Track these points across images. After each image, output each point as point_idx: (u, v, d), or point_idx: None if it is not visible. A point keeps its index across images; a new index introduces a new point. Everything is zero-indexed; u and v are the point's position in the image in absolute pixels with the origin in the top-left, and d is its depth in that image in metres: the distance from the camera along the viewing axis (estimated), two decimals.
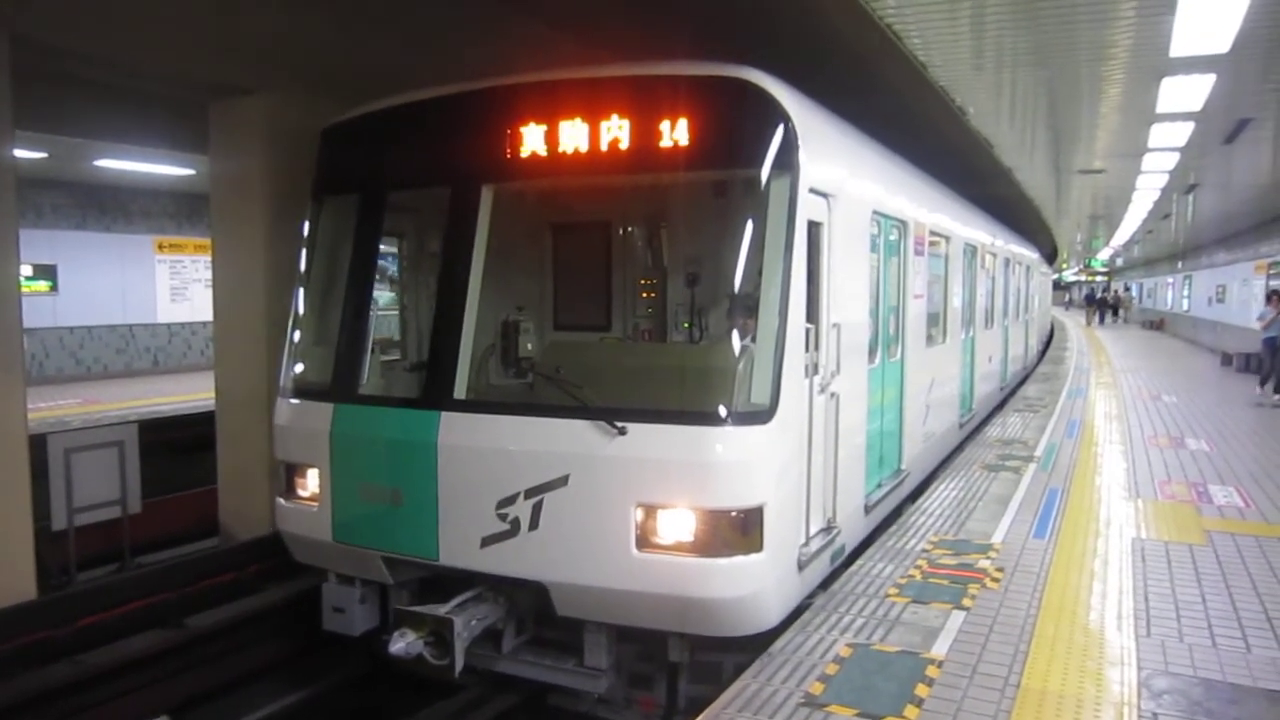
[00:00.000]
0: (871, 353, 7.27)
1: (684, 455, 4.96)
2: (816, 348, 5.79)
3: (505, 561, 5.34)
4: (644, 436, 5.02)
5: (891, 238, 8.12)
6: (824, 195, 5.89)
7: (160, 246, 19.36)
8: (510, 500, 5.28)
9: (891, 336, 8.17)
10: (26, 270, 15.35)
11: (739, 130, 5.38)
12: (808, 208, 5.45)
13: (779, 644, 5.22)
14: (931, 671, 4.82)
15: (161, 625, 7.07)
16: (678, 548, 4.96)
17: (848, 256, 6.43)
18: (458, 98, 6.03)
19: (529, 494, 5.23)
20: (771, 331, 5.11)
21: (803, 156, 5.32)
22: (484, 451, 5.40)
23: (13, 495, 6.54)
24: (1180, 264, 38.87)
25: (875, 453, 7.50)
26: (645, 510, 5.00)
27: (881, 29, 7.25)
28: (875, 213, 7.28)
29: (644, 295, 8.21)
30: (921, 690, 4.59)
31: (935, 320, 10.54)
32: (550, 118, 5.55)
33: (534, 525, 5.23)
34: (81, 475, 7.69)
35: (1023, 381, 19.61)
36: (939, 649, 5.12)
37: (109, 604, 7.07)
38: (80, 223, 17.80)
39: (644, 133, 5.31)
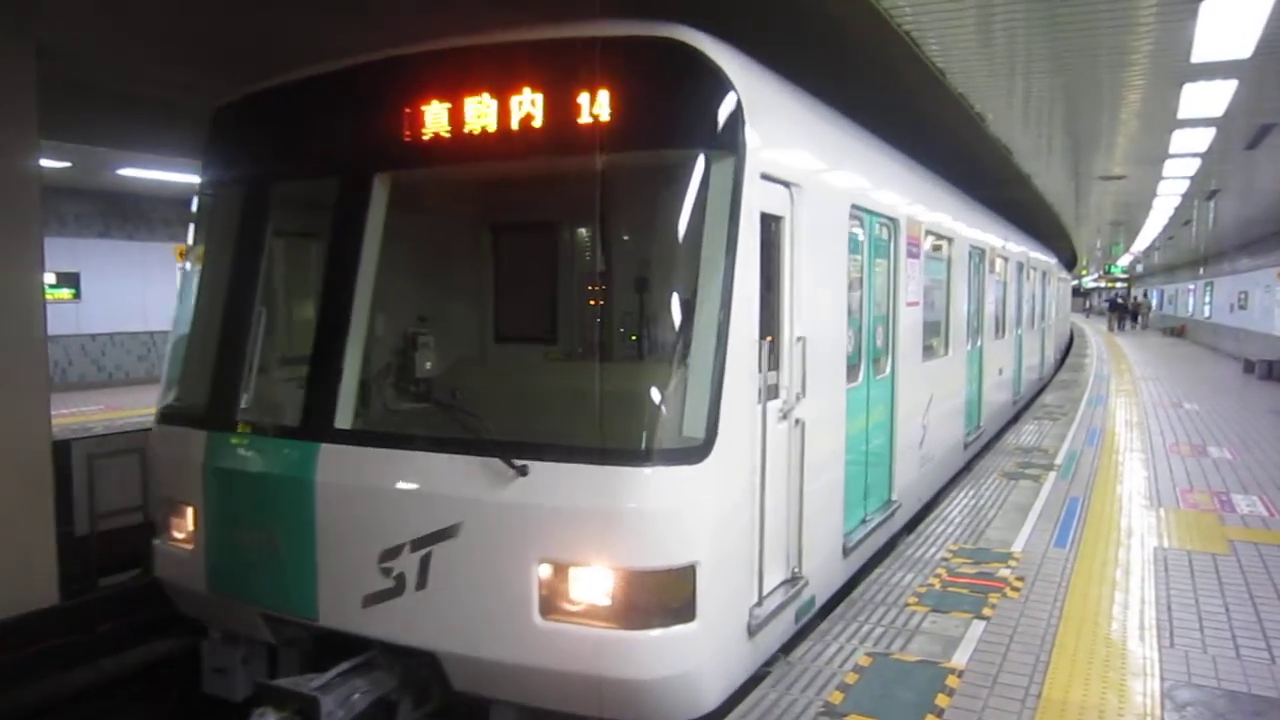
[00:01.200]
0: (852, 370, 6.52)
1: (595, 502, 4.08)
2: (776, 366, 5.04)
3: (389, 625, 4.50)
4: (549, 478, 4.15)
5: (879, 237, 7.30)
6: (784, 184, 5.12)
7: (181, 254, 19.53)
8: (395, 552, 4.44)
9: (879, 350, 7.36)
10: (50, 278, 15.53)
11: (668, 102, 4.47)
12: (760, 198, 4.67)
13: (798, 652, 5.19)
14: (952, 681, 4.79)
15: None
16: (590, 615, 4.09)
17: (818, 257, 5.64)
18: (342, 74, 5.17)
19: (416, 545, 4.40)
20: (708, 348, 4.22)
21: (751, 135, 4.51)
22: (366, 492, 4.56)
23: (37, 502, 6.61)
24: (1202, 270, 38.56)
25: (857, 485, 6.73)
26: (552, 569, 4.15)
27: (900, 35, 7.24)
28: (856, 207, 6.48)
29: (592, 303, 6.70)
30: (941, 700, 4.56)
31: (935, 330, 9.79)
32: (447, 94, 4.71)
33: (421, 583, 4.39)
34: (104, 481, 7.77)
35: (1039, 392, 19.13)
36: (959, 658, 5.09)
37: (131, 609, 7.13)
38: (103, 231, 18.04)
39: (558, 108, 4.44)
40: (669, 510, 4.09)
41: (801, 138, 5.61)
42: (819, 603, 5.84)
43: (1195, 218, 23.15)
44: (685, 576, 4.11)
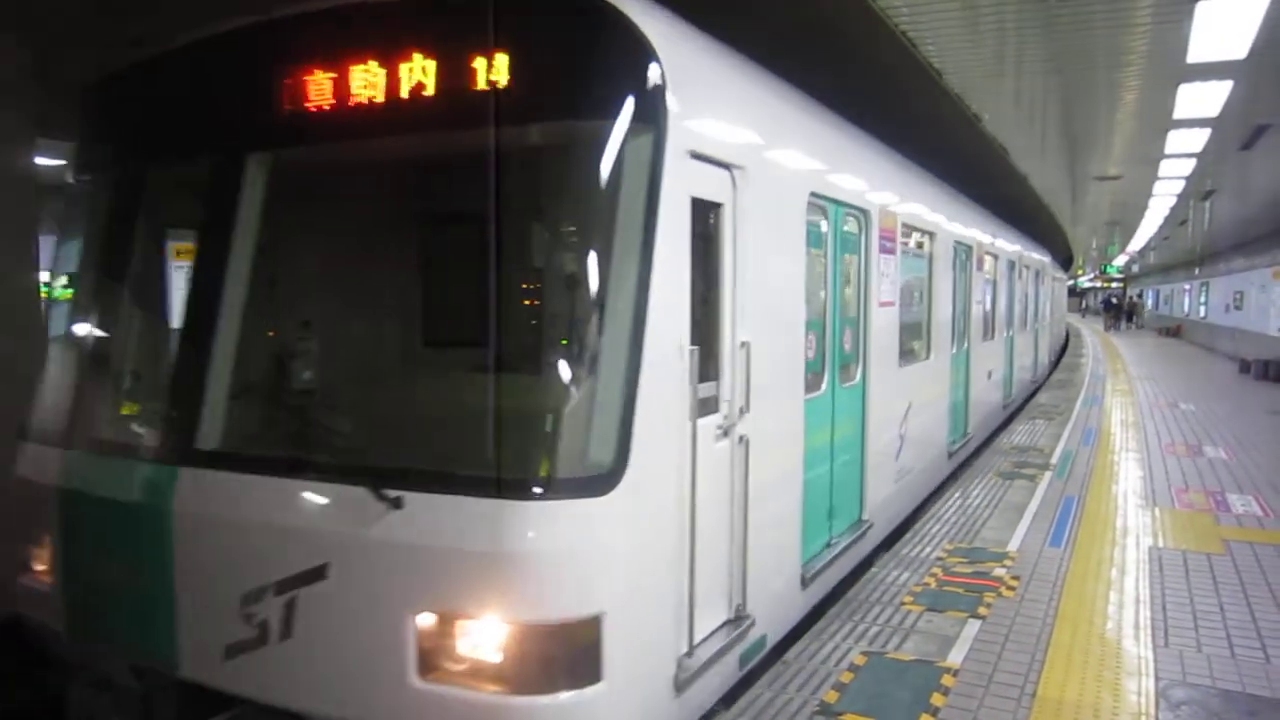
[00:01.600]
0: (814, 378, 5.96)
1: (478, 542, 3.45)
2: (715, 376, 4.48)
3: (252, 680, 3.89)
4: (428, 512, 3.55)
5: (847, 230, 6.63)
6: (724, 166, 4.48)
7: (178, 253, 19.47)
8: (257, 596, 3.81)
9: (848, 355, 6.69)
10: (45, 277, 15.42)
11: (572, 64, 3.81)
12: (691, 180, 4.09)
13: (793, 652, 5.20)
14: (947, 680, 4.79)
15: None
16: (476, 677, 3.48)
17: (768, 252, 5.00)
18: (207, 43, 4.54)
19: (280, 588, 3.76)
20: (618, 356, 3.60)
21: (677, 106, 3.90)
22: (227, 525, 3.94)
23: None
24: (1197, 270, 38.65)
25: (820, 505, 6.11)
26: (433, 620, 3.53)
27: (896, 35, 7.25)
28: (818, 196, 5.83)
29: (527, 303, 5.71)
30: (937, 699, 4.57)
31: (915, 332, 9.12)
32: (324, 61, 4.11)
33: (286, 632, 3.77)
34: None
35: (1033, 394, 18.87)
36: (954, 658, 5.10)
37: None
38: None
39: (450, 74, 3.81)
40: (566, 551, 3.46)
41: (749, 115, 4.91)
42: (772, 641, 5.16)
43: (1191, 218, 23.22)
44: (588, 629, 3.47)
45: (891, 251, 7.62)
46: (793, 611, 5.62)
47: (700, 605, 4.23)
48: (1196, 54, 7.77)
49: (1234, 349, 28.12)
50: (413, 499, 3.56)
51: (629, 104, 3.75)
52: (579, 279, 3.72)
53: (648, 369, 3.66)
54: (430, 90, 3.84)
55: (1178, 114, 10.31)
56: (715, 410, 4.47)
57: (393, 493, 3.56)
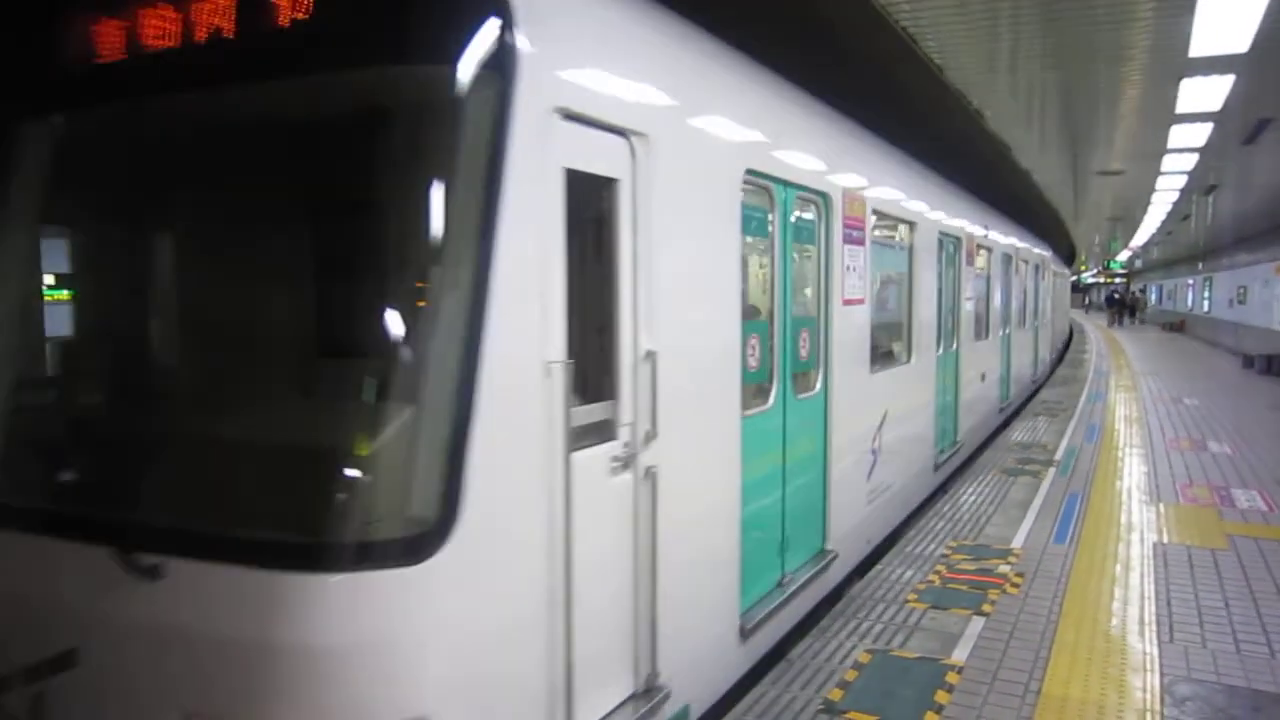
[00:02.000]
0: (758, 390, 5.19)
1: (251, 628, 2.63)
2: (612, 395, 3.67)
3: None
4: (192, 585, 2.72)
5: (800, 216, 5.72)
6: (619, 132, 3.59)
7: None
8: (5, 685, 2.95)
9: (804, 361, 5.84)
10: (49, 279, 15.43)
11: None
12: (565, 147, 3.23)
13: (797, 650, 5.19)
14: (951, 678, 4.78)
15: None
16: None
17: (684, 241, 4.10)
18: None
19: (29, 676, 2.92)
20: (444, 376, 2.76)
21: (533, 46, 3.00)
22: None
23: None
24: (1200, 265, 38.59)
25: (766, 541, 5.28)
26: None
27: (897, 31, 7.24)
28: (757, 174, 4.96)
29: (422, 304, 3.60)
30: (941, 697, 4.56)
31: (894, 333, 8.42)
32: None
33: None
34: None
35: (1033, 394, 18.23)
36: (959, 655, 5.09)
37: None
38: None
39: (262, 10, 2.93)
40: (372, 639, 2.61)
41: (659, 71, 4.00)
42: (699, 712, 4.39)
43: (1194, 213, 23.17)
44: None
45: (860, 242, 6.68)
46: (728, 671, 4.73)
47: (586, 683, 3.40)
48: (1199, 48, 7.74)
49: (1237, 344, 28.08)
50: (175, 567, 2.72)
51: (464, 46, 2.81)
52: (385, 276, 2.91)
53: (489, 391, 2.81)
54: (205, 31, 2.99)
55: (1180, 108, 10.29)
56: (611, 437, 3.61)
57: (147, 558, 2.72)
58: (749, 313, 5.07)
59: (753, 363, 4.98)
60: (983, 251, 12.43)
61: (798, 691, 4.64)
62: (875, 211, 7.09)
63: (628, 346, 3.72)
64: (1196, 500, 8.80)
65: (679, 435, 4.04)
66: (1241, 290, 29.96)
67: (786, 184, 5.40)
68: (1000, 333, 14.15)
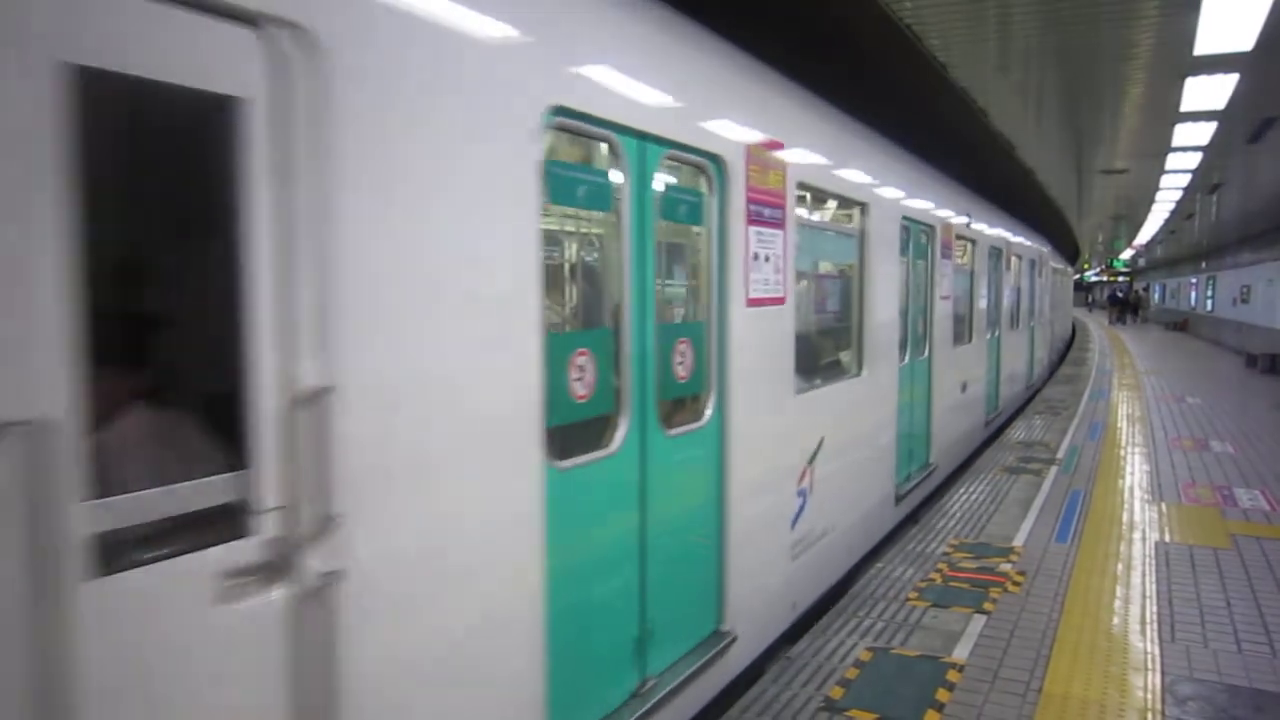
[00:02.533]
0: (586, 430, 3.78)
1: None
2: (246, 462, 2.28)
3: None
4: None
5: (671, 185, 4.34)
6: (241, 19, 2.20)
7: None
8: None
9: (685, 383, 4.45)
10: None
11: None
12: (97, 32, 1.93)
13: (798, 648, 5.19)
14: (952, 676, 4.78)
15: None
16: None
17: (410, 208, 2.70)
18: None
19: None
20: None
21: None
22: None
23: None
24: (1204, 264, 38.53)
25: (607, 645, 3.90)
26: None
27: (901, 29, 7.23)
28: (572, 115, 3.46)
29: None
30: (942, 695, 4.56)
31: (839, 340, 7.20)
32: None
33: None
34: None
35: (1031, 398, 17.46)
36: (960, 653, 5.09)
37: None
38: None
39: None
40: None
41: None
42: None
43: (1198, 211, 23.15)
44: None
45: (777, 224, 5.21)
46: None
47: None
48: (1203, 46, 7.74)
49: (1240, 343, 28.05)
50: None
51: None
52: None
53: None
54: None
55: (1184, 107, 10.27)
56: (238, 533, 2.24)
57: None
58: (589, 318, 4.18)
59: (580, 390, 3.62)
60: (964, 244, 11.12)
61: (798, 689, 4.64)
62: (804, 185, 5.74)
63: (271, 382, 2.28)
64: (1199, 499, 8.79)
65: (397, 511, 2.65)
66: (1245, 289, 29.91)
67: (643, 137, 3.94)
68: (988, 336, 12.88)
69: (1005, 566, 6.65)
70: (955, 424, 10.74)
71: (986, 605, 5.84)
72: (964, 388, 11.27)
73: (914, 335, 8.89)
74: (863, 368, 7.11)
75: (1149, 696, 4.60)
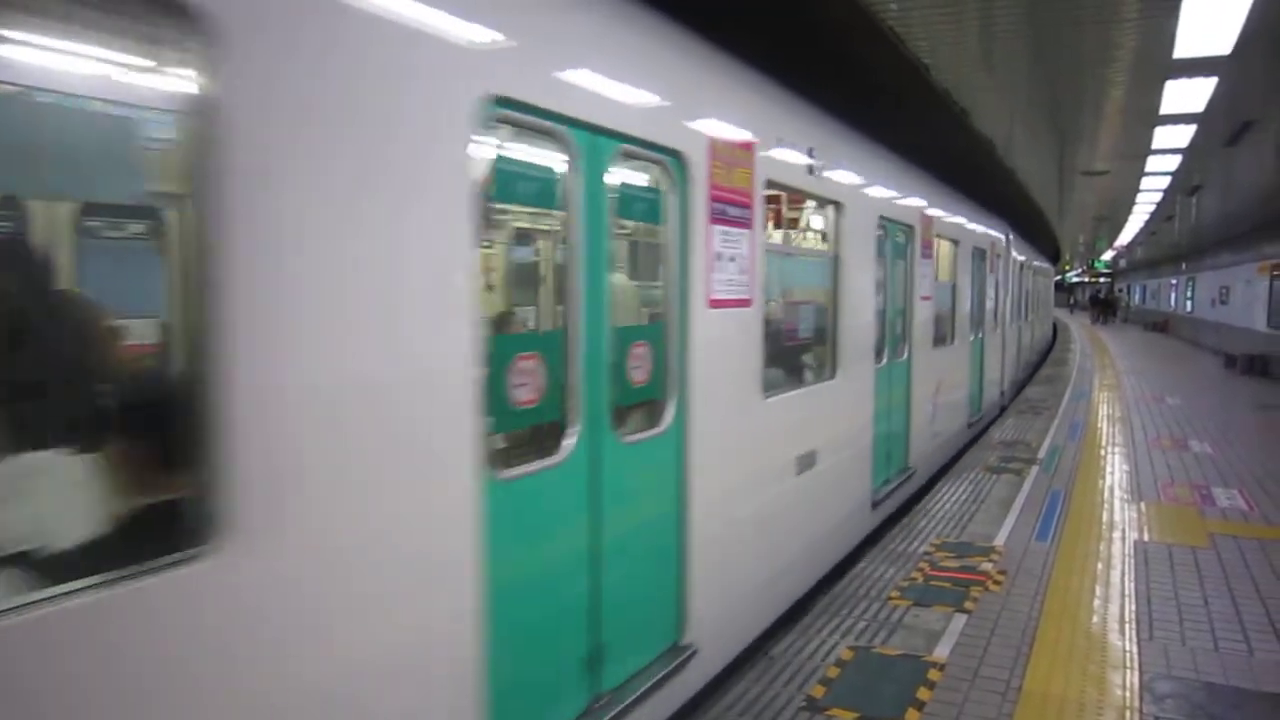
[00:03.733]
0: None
1: None
2: None
3: None
4: None
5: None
6: None
7: None
8: None
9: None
10: None
11: None
12: None
13: (780, 647, 5.20)
14: (933, 675, 4.80)
15: None
16: None
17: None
18: None
19: None
20: None
21: None
22: None
23: None
24: (1183, 265, 38.84)
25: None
26: None
27: (884, 30, 7.25)
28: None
29: None
30: (923, 694, 4.58)
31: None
32: None
33: None
34: None
35: (1015, 395, 17.45)
36: (940, 652, 5.11)
37: None
38: None
39: None
40: None
41: None
42: None
43: (1177, 213, 23.35)
44: None
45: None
46: None
47: None
48: (1183, 49, 7.81)
49: (1219, 344, 28.28)
50: None
51: None
52: None
53: None
54: None
55: (1164, 109, 10.37)
56: None
57: None
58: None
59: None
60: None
61: (780, 688, 4.64)
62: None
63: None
64: (1178, 499, 8.86)
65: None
66: (1224, 290, 30.16)
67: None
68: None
69: (986, 565, 6.68)
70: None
71: (967, 604, 5.87)
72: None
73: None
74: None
75: (1127, 694, 4.63)
